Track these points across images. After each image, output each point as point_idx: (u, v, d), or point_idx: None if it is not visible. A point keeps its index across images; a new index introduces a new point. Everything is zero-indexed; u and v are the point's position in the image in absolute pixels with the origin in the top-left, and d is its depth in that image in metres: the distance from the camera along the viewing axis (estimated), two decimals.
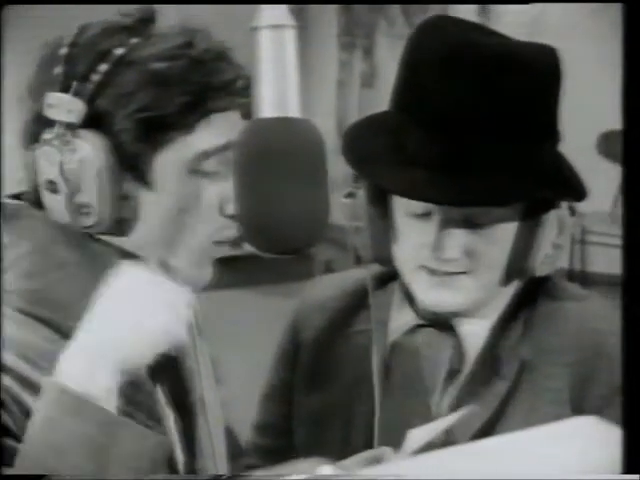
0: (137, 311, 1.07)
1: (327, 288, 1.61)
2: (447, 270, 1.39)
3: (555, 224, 1.40)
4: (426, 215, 1.39)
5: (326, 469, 0.90)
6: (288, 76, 1.00)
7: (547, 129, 1.40)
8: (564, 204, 1.41)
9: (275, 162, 1.00)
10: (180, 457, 1.24)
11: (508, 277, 1.42)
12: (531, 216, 1.39)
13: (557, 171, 1.39)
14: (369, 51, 7.06)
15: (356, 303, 1.55)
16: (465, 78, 1.33)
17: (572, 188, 1.40)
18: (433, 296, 1.41)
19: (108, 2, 1.15)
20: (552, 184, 1.38)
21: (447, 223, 1.38)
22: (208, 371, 1.33)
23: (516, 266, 1.41)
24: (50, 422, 1.03)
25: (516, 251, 1.40)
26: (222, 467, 1.33)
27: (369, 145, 1.42)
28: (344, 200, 1.45)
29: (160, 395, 1.22)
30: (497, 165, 1.34)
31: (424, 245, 1.39)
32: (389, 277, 1.52)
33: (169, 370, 1.26)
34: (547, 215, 1.39)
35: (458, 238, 1.38)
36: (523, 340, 1.44)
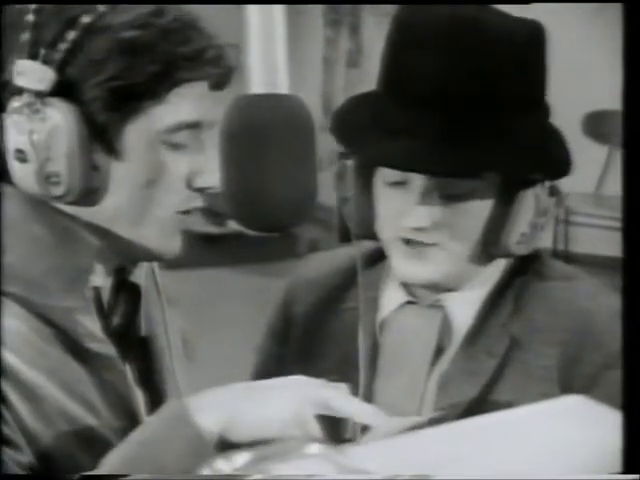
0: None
1: (319, 265, 1.61)
2: (419, 240, 1.40)
3: (532, 203, 1.39)
4: (402, 184, 1.40)
5: (314, 447, 0.90)
6: (277, 51, 0.99)
7: (530, 103, 1.40)
8: (545, 183, 1.41)
9: (263, 139, 0.99)
10: None
11: (485, 253, 1.42)
12: (508, 193, 1.39)
13: (539, 146, 1.40)
14: (355, 29, 7.04)
15: (347, 280, 1.55)
16: (447, 54, 1.34)
17: (552, 164, 1.41)
18: (407, 267, 1.42)
19: (107, 2, 1.13)
20: (531, 158, 1.38)
21: (421, 193, 1.38)
22: (179, 350, 1.33)
23: (491, 242, 1.40)
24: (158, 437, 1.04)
25: (490, 226, 1.40)
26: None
27: (355, 120, 1.42)
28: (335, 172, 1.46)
29: (129, 374, 1.22)
30: (477, 138, 1.35)
31: (399, 214, 1.40)
32: (380, 255, 1.52)
33: (138, 349, 1.25)
34: (524, 193, 1.39)
35: (430, 208, 1.38)
36: (513, 318, 1.44)
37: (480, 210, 1.40)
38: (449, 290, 1.45)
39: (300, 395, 1.05)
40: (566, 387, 1.38)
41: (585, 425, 1.02)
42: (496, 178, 1.39)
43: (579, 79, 5.01)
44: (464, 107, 1.35)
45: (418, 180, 1.38)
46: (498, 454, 0.97)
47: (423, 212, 1.38)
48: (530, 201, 1.39)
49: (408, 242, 1.41)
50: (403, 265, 1.42)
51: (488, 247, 1.41)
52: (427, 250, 1.40)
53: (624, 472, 0.99)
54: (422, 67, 1.35)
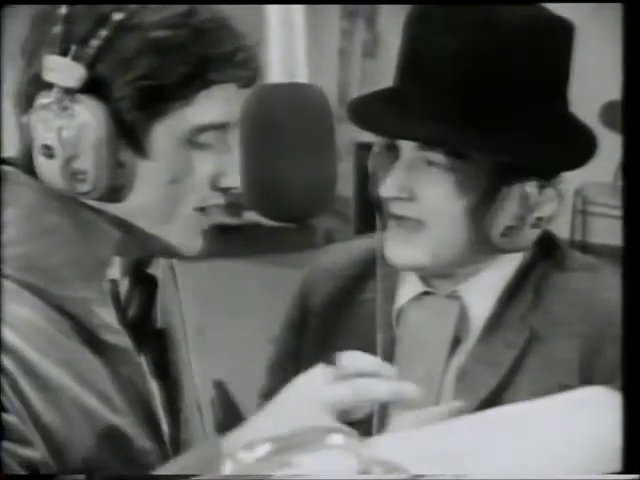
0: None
1: (336, 256, 1.60)
2: (398, 213, 1.39)
3: (516, 197, 1.36)
4: (394, 150, 1.39)
5: (336, 438, 0.90)
6: (296, 40, 0.99)
7: (553, 93, 1.40)
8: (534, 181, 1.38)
9: (282, 127, 0.99)
10: (165, 429, 1.24)
11: (473, 240, 1.40)
12: (494, 182, 1.37)
13: (558, 134, 1.39)
14: (371, 19, 7.03)
15: (365, 271, 1.54)
16: (464, 38, 1.34)
17: (569, 154, 1.40)
18: (395, 251, 1.42)
19: (108, 2, 1.13)
20: (550, 145, 1.38)
21: (406, 162, 1.38)
22: (195, 341, 1.33)
23: (474, 227, 1.38)
24: None
25: (471, 210, 1.38)
26: (211, 438, 1.33)
27: (371, 102, 1.42)
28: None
29: (145, 366, 1.22)
30: (494, 122, 1.35)
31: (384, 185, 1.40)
32: None
33: (154, 340, 1.26)
34: (509, 187, 1.36)
35: (404, 176, 1.38)
36: (532, 310, 1.43)
37: (462, 189, 1.37)
38: (447, 276, 1.44)
39: (316, 410, 1.04)
40: (587, 379, 1.37)
41: (606, 416, 1.02)
42: (487, 166, 1.37)
43: (595, 67, 4.99)
44: (480, 92, 1.34)
45: (409, 150, 1.38)
46: (519, 445, 0.97)
47: (389, 182, 1.38)
48: (515, 195, 1.36)
49: (397, 218, 1.41)
50: (392, 249, 1.42)
51: (475, 233, 1.39)
52: (411, 230, 1.39)
53: (624, 472, 0.98)
54: (439, 51, 1.35)
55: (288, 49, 1.01)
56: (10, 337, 1.09)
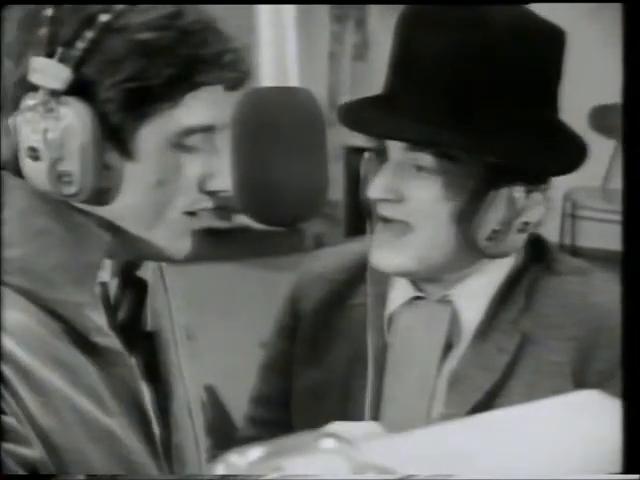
0: None
1: (327, 260, 1.60)
2: (386, 215, 1.39)
3: (504, 201, 1.36)
4: (383, 153, 1.39)
5: (328, 442, 0.90)
6: (287, 43, 0.99)
7: (544, 97, 1.40)
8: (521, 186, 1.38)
9: (274, 131, 0.98)
10: (157, 431, 1.23)
11: (460, 244, 1.39)
12: (482, 185, 1.37)
13: (548, 139, 1.39)
14: (361, 22, 7.03)
15: (356, 276, 1.54)
16: (455, 39, 1.34)
17: (559, 159, 1.40)
18: (381, 256, 1.42)
19: (108, 2, 1.12)
20: (540, 149, 1.38)
21: (394, 164, 1.38)
22: (185, 344, 1.33)
23: (461, 231, 1.38)
24: None
25: (458, 213, 1.37)
26: (202, 440, 1.33)
27: (363, 107, 1.43)
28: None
29: (135, 368, 1.22)
30: (483, 124, 1.35)
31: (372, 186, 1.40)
32: None
33: (144, 343, 1.26)
34: (497, 190, 1.36)
35: (392, 178, 1.38)
36: (524, 314, 1.43)
37: (449, 192, 1.37)
38: (437, 281, 1.44)
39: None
40: (579, 382, 1.37)
41: (600, 419, 1.02)
42: (475, 168, 1.36)
43: (586, 72, 5.00)
44: (471, 94, 1.35)
45: (397, 151, 1.38)
46: (512, 449, 0.97)
47: (377, 183, 1.38)
48: (502, 199, 1.36)
49: (383, 220, 1.40)
50: (377, 253, 1.42)
51: (462, 236, 1.38)
52: (398, 233, 1.39)
53: (624, 472, 0.98)
54: (429, 52, 1.35)
55: (278, 52, 1.01)
56: (4, 341, 1.08)
